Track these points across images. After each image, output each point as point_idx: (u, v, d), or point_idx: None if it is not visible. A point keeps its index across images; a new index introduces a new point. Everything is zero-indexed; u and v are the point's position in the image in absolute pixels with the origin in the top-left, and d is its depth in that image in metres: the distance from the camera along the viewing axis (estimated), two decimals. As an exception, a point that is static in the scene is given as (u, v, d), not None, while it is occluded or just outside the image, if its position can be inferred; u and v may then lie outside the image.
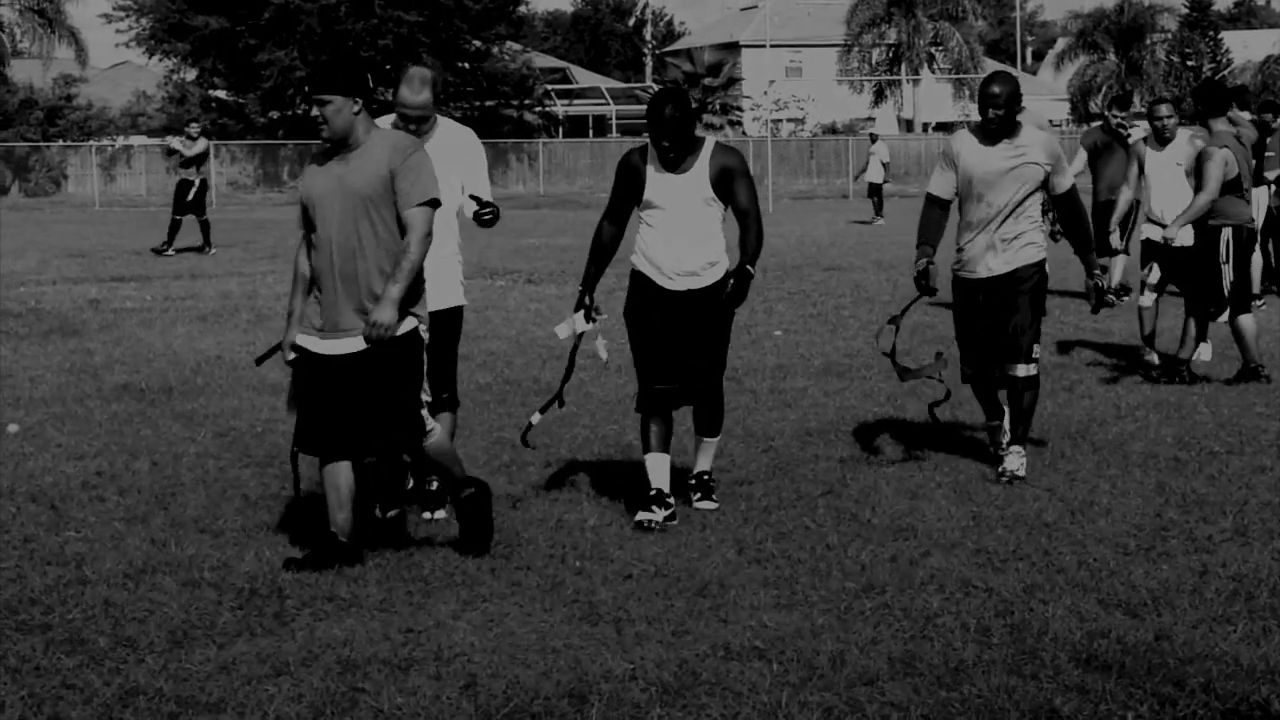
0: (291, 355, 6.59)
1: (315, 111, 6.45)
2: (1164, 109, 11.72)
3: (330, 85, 6.41)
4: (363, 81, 6.46)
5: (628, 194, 7.32)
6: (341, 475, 6.56)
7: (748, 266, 7.15)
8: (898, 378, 8.89)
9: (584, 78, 75.76)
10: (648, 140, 7.24)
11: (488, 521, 6.76)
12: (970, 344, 8.42)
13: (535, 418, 7.87)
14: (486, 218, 7.27)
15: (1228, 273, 10.99)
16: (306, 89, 47.01)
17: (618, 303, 7.39)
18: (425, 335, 6.58)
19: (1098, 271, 8.48)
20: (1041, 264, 8.30)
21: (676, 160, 7.17)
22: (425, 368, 6.68)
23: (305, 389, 6.58)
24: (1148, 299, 11.66)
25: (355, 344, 6.44)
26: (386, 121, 7.14)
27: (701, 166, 7.19)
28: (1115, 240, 12.95)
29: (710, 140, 7.30)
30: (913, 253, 8.53)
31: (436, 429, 6.68)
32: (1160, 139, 11.68)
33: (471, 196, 7.29)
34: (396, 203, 6.41)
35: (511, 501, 7.63)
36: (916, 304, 8.88)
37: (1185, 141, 11.55)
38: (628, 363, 7.87)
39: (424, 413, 6.59)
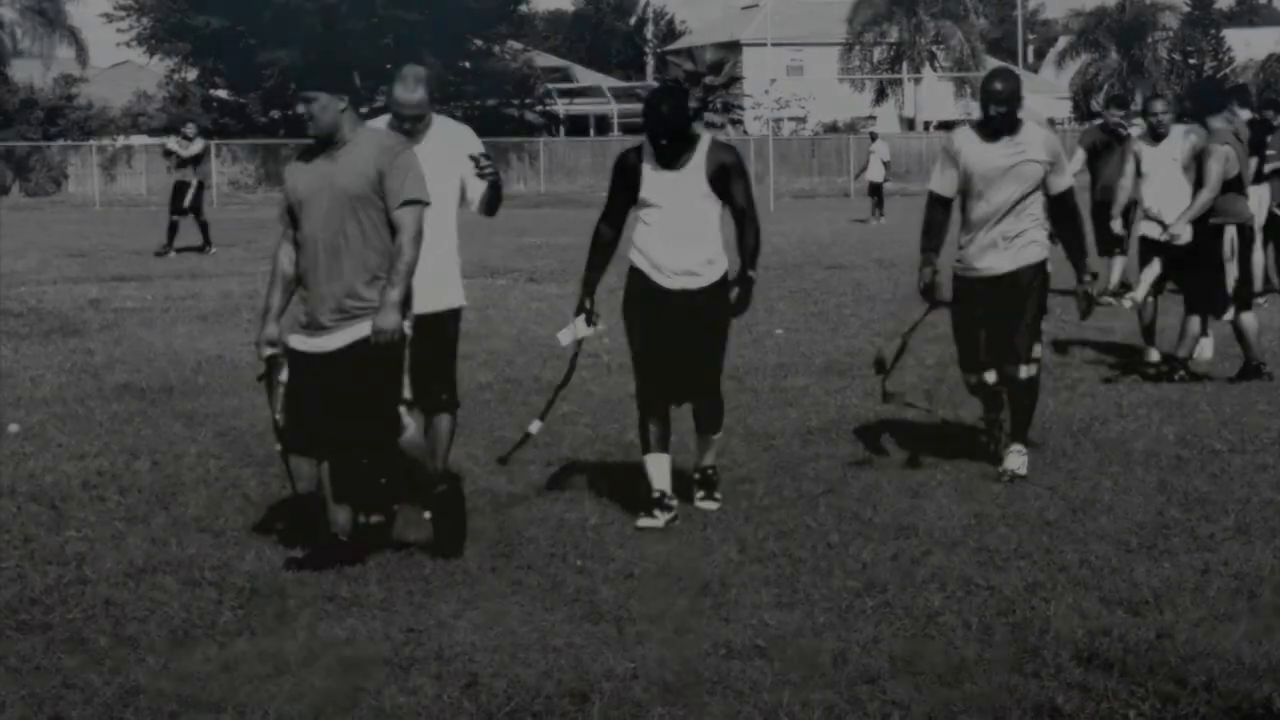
0: (268, 351, 6.58)
1: (301, 108, 6.46)
2: (1159, 105, 11.70)
3: (316, 82, 6.42)
4: (348, 79, 6.48)
5: (624, 193, 7.27)
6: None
7: (749, 272, 7.12)
8: (881, 397, 8.77)
9: (585, 76, 75.71)
10: (644, 139, 7.21)
11: (461, 519, 6.71)
12: (970, 344, 8.39)
13: (534, 426, 7.81)
14: (488, 170, 7.13)
15: (1232, 270, 10.98)
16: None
17: (618, 301, 7.38)
18: (409, 331, 6.56)
19: (1088, 278, 8.43)
20: (1044, 263, 8.27)
21: (673, 158, 7.14)
22: (407, 363, 6.65)
23: (290, 387, 6.56)
24: (1142, 293, 11.64)
25: (336, 340, 6.42)
26: (384, 121, 7.11)
27: (698, 163, 7.15)
28: (1117, 226, 12.93)
29: (706, 137, 7.24)
30: (914, 250, 8.50)
31: (411, 425, 6.66)
32: (1155, 135, 11.67)
33: (470, 156, 7.13)
34: (386, 202, 6.39)
35: (504, 499, 7.61)
36: (925, 319, 8.69)
37: (1180, 137, 11.52)
38: (628, 361, 7.86)
39: (401, 409, 6.57)
